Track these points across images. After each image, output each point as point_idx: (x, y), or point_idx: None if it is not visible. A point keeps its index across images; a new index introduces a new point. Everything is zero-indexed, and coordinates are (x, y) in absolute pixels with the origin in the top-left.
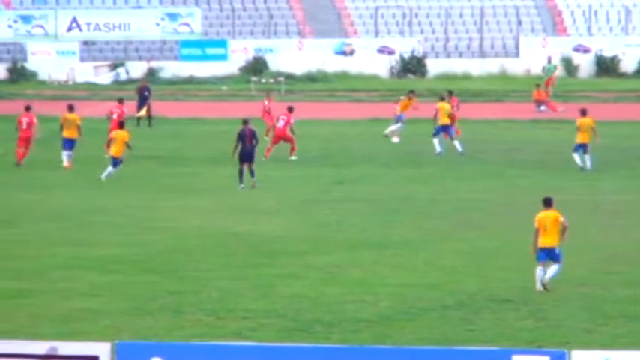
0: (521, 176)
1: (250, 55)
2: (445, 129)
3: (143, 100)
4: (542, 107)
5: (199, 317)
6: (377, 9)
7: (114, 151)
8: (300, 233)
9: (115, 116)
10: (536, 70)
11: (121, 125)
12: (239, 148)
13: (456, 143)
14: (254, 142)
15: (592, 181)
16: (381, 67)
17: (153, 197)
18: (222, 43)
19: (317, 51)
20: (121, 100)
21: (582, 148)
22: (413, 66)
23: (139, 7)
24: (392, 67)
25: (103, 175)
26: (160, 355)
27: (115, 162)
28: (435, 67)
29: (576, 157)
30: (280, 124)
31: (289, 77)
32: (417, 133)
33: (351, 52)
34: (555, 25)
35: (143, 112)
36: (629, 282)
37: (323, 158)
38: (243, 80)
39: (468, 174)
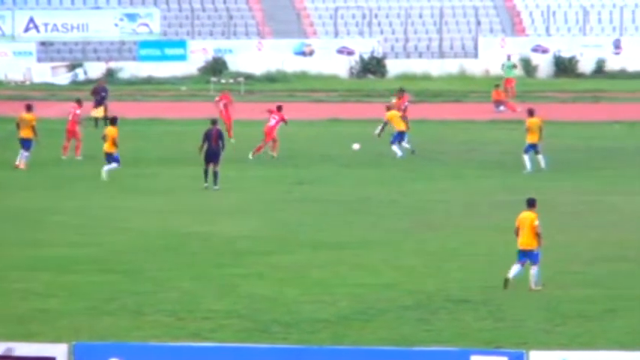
0: (481, 176)
1: (210, 56)
2: (402, 135)
3: (100, 100)
4: (501, 107)
5: (159, 318)
6: (336, 9)
7: (105, 147)
8: (262, 233)
9: (70, 117)
10: (496, 70)
11: (112, 121)
12: (205, 147)
13: (396, 148)
14: (220, 142)
15: (551, 181)
16: (341, 67)
17: (113, 197)
18: (182, 44)
19: (276, 51)
20: (78, 101)
21: (533, 148)
22: (372, 66)
23: (97, 8)
24: (351, 68)
25: (104, 174)
26: (118, 356)
27: (108, 158)
28: (394, 67)
29: (526, 159)
30: (272, 122)
31: (249, 78)
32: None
33: (311, 53)
34: (514, 26)
35: (100, 112)
36: (587, 282)
37: (283, 159)
38: (203, 81)
39: (427, 175)
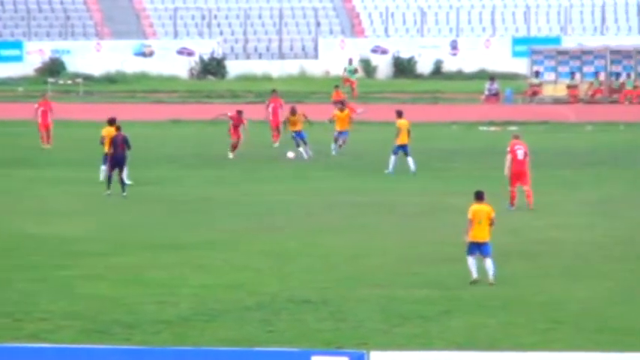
0: (325, 178)
1: (47, 57)
2: (299, 135)
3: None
4: None
5: None
6: (176, 10)
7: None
8: (99, 234)
9: None
10: (336, 71)
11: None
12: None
13: (290, 154)
14: (126, 147)
15: (392, 182)
16: (181, 68)
17: None
18: (17, 45)
19: (116, 52)
20: None
21: (402, 149)
22: (213, 67)
23: None
24: (192, 69)
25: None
26: None
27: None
28: (234, 68)
29: (392, 160)
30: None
31: (87, 79)
32: (220, 134)
33: (151, 54)
34: (353, 27)
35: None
36: (427, 283)
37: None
38: (40, 82)
39: (270, 176)
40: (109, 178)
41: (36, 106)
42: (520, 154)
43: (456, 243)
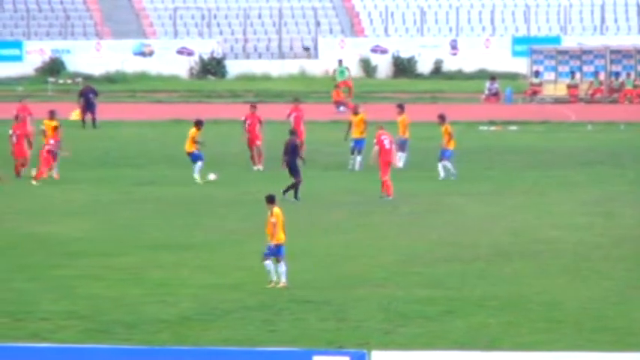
0: (322, 177)
1: (47, 56)
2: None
3: (89, 102)
4: (342, 108)
5: None
6: (175, 10)
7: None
8: (99, 234)
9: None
10: (332, 73)
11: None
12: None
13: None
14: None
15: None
16: (181, 68)
17: None
18: (17, 44)
19: (116, 52)
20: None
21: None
22: (212, 67)
23: None
24: (191, 68)
25: None
26: None
27: None
28: (234, 68)
29: (446, 166)
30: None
31: (87, 78)
32: (215, 134)
33: (151, 53)
34: (353, 27)
35: (78, 114)
36: (429, 283)
37: (123, 159)
38: (40, 81)
39: (270, 175)
40: None
41: (10, 132)
42: (387, 143)
43: (453, 243)
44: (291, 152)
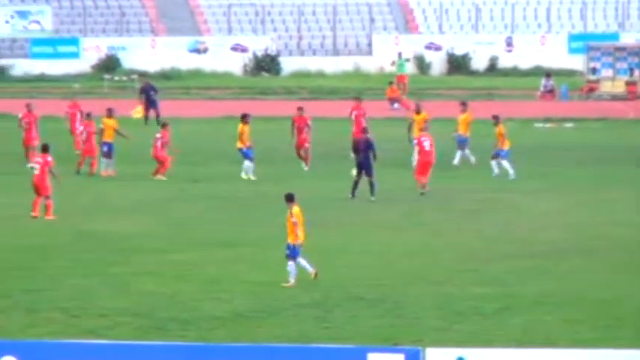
0: (382, 174)
1: (103, 53)
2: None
3: (150, 99)
4: (396, 105)
5: (53, 315)
6: (230, 6)
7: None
8: (155, 231)
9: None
10: (390, 68)
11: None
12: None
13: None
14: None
15: (448, 179)
16: (235, 65)
17: (6, 194)
18: (74, 41)
19: (170, 49)
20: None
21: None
22: (266, 64)
23: None
24: (245, 65)
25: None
26: (12, 353)
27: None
28: (288, 65)
29: (502, 164)
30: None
31: (143, 75)
32: (269, 130)
33: (205, 50)
34: (407, 23)
35: (140, 112)
36: (484, 280)
37: (178, 156)
38: (96, 78)
39: (324, 172)
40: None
41: (81, 129)
42: (427, 145)
43: (512, 240)
44: (364, 150)
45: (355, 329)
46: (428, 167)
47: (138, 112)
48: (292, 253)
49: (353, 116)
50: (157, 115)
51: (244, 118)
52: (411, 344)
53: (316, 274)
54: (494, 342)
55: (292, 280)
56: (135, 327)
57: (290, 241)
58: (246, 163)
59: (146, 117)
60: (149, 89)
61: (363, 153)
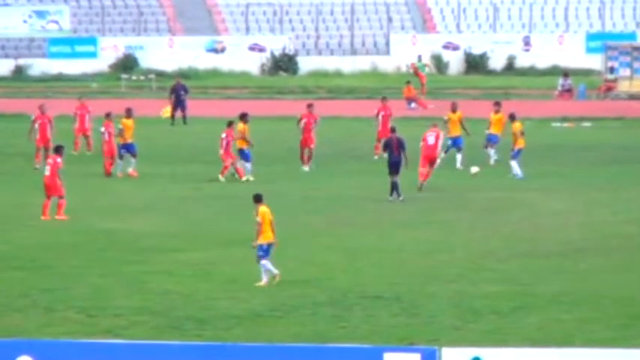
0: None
1: (120, 53)
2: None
3: (179, 99)
4: (413, 105)
5: (70, 315)
6: (247, 6)
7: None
8: (171, 230)
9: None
10: (406, 69)
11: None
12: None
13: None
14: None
15: (463, 178)
16: (253, 64)
17: (21, 194)
18: (92, 41)
19: (188, 48)
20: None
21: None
22: (284, 63)
23: (6, 5)
24: (263, 65)
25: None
26: (28, 353)
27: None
28: (306, 64)
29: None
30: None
31: (160, 75)
32: (286, 130)
33: (222, 50)
34: (425, 23)
35: (168, 111)
36: (500, 279)
37: (194, 155)
38: (114, 77)
39: (341, 170)
40: None
41: (102, 129)
42: (431, 139)
43: (526, 238)
44: (397, 148)
45: (371, 328)
46: (428, 162)
47: (167, 111)
48: (264, 254)
49: (380, 117)
50: (184, 116)
51: (244, 117)
52: (426, 344)
53: (275, 277)
54: (510, 341)
55: (275, 272)
56: (151, 326)
57: (261, 241)
58: (247, 165)
59: (173, 117)
60: (180, 89)
61: (397, 152)
